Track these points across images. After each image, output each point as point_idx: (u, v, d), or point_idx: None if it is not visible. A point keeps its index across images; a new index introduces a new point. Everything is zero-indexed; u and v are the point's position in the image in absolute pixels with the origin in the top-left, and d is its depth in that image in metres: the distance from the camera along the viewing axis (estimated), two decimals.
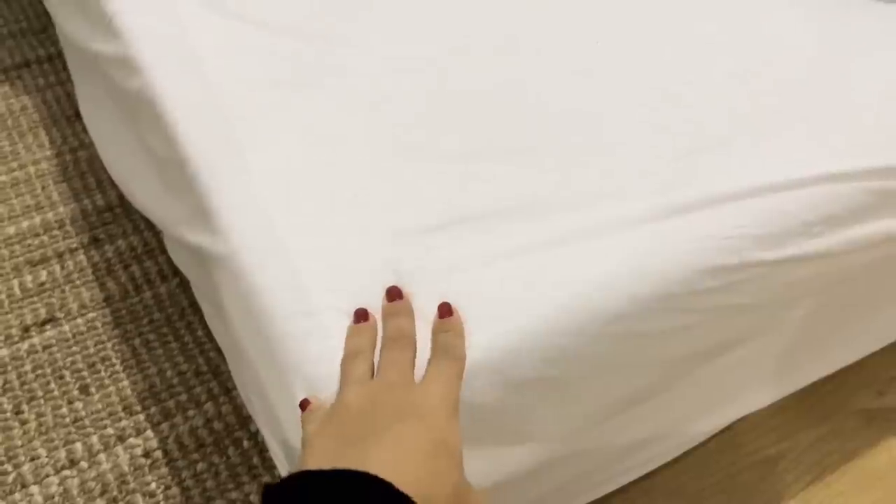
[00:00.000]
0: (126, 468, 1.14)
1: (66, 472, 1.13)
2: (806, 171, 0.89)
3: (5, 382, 1.22)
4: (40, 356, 1.25)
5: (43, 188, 1.47)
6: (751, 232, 0.85)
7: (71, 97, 1.60)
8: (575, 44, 1.04)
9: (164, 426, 1.18)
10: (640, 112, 0.96)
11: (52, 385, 1.22)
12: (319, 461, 0.57)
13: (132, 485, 1.13)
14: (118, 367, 1.24)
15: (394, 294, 0.76)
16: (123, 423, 1.18)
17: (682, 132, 0.94)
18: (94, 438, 1.16)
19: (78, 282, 1.34)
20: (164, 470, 1.14)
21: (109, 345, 1.26)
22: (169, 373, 1.23)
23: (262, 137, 0.92)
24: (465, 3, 1.10)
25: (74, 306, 1.31)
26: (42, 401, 1.20)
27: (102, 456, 1.15)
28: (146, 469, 1.14)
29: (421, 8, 1.08)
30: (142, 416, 1.19)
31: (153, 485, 1.12)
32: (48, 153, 1.53)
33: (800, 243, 0.87)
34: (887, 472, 1.21)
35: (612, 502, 1.10)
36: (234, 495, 1.12)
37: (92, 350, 1.26)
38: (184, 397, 1.21)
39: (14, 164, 1.51)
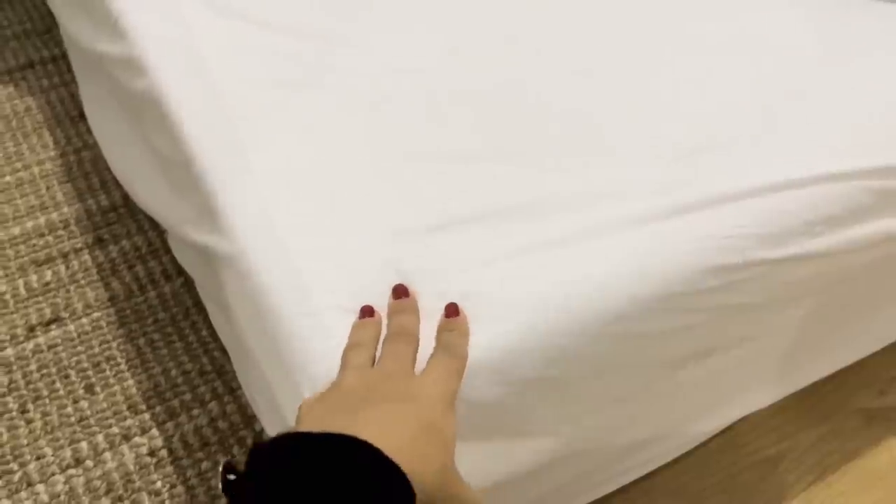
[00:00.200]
0: (131, 467, 1.15)
1: (72, 471, 1.14)
2: (806, 171, 0.89)
3: (11, 382, 1.23)
4: (45, 356, 1.26)
5: (47, 188, 1.48)
6: (752, 231, 0.85)
7: (75, 98, 1.61)
8: (575, 44, 1.04)
9: (169, 425, 1.19)
10: (641, 112, 0.96)
11: (58, 384, 1.23)
12: (309, 426, 0.56)
13: (137, 483, 1.13)
14: (123, 367, 1.24)
15: (400, 292, 0.76)
16: (128, 422, 1.19)
17: (682, 132, 0.94)
18: (100, 437, 1.17)
19: (83, 282, 1.35)
20: (169, 469, 1.15)
21: (114, 344, 1.27)
22: (173, 372, 1.24)
23: (266, 137, 0.92)
24: (466, 3, 1.10)
25: (79, 306, 1.31)
26: (47, 400, 1.21)
27: (108, 455, 1.15)
28: (151, 468, 1.15)
29: (421, 8, 1.08)
30: (147, 416, 1.19)
31: (158, 483, 1.13)
32: (52, 154, 1.53)
33: (801, 242, 0.87)
34: (888, 472, 1.21)
35: (613, 502, 1.10)
36: None
37: (97, 350, 1.26)
38: (188, 396, 1.21)
39: (19, 165, 1.51)
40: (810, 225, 0.87)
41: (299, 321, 0.77)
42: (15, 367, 1.24)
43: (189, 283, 1.32)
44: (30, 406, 1.20)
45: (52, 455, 1.15)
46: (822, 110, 0.96)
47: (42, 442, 1.17)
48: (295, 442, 0.54)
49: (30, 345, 1.27)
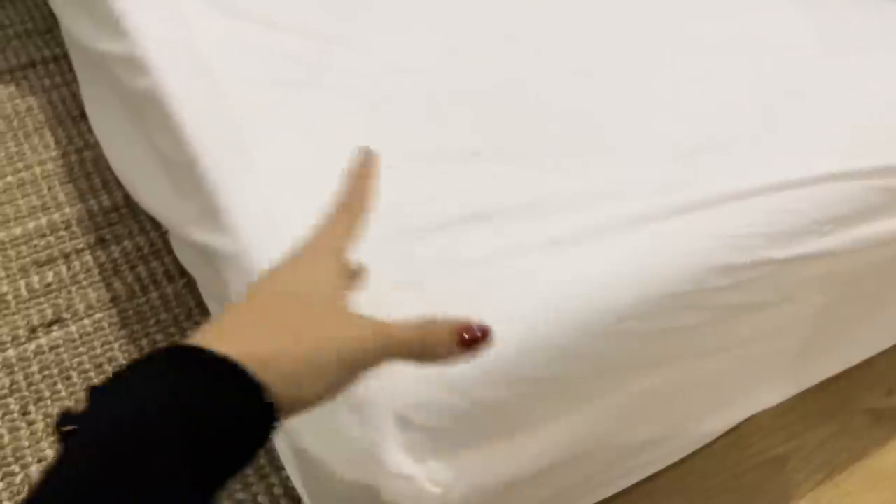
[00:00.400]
0: None
1: None
2: (807, 171, 0.88)
3: (12, 383, 1.22)
4: (47, 357, 1.25)
5: (49, 189, 1.47)
6: (760, 230, 0.84)
7: (77, 98, 1.60)
8: (575, 44, 1.04)
9: None
10: (641, 112, 0.96)
11: (59, 386, 1.22)
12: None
13: None
14: None
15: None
16: None
17: (682, 132, 0.93)
18: None
19: (84, 282, 1.34)
20: None
21: (116, 345, 1.26)
22: None
23: (268, 137, 0.92)
24: (466, 3, 1.09)
25: (81, 307, 1.31)
26: (49, 401, 1.20)
27: None
28: None
29: (421, 8, 1.08)
30: None
31: None
32: (54, 154, 1.53)
33: (809, 242, 0.86)
34: None
35: (619, 502, 1.09)
36: (241, 496, 1.12)
37: (99, 351, 1.26)
38: None
39: (20, 165, 1.51)
40: (818, 224, 0.87)
41: None
42: (17, 369, 1.24)
43: (191, 284, 1.31)
44: (31, 407, 1.20)
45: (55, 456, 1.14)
46: (822, 110, 0.96)
47: (44, 444, 1.16)
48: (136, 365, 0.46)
49: (31, 346, 1.26)
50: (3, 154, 1.53)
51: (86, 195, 1.46)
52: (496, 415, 0.78)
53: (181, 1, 1.05)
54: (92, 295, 1.32)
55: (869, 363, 1.20)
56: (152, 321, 1.29)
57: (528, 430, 0.84)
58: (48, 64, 1.70)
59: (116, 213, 1.44)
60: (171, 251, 1.34)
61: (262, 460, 1.15)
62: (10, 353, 1.25)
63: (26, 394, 1.21)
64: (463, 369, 0.73)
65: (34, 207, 1.44)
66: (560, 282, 0.79)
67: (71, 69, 1.63)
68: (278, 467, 1.14)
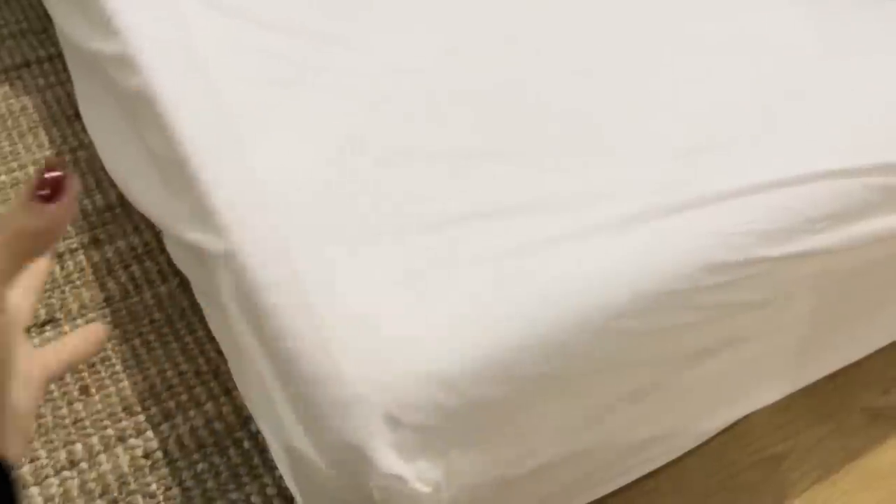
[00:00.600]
0: (126, 469, 1.13)
1: (67, 473, 1.13)
2: (808, 168, 0.88)
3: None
4: None
5: None
6: (755, 228, 0.84)
7: (71, 97, 1.60)
8: (575, 44, 1.04)
9: (165, 427, 1.17)
10: (640, 111, 0.96)
11: (52, 386, 1.21)
12: None
13: (132, 486, 1.12)
14: (118, 368, 1.23)
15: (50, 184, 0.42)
16: (124, 423, 1.18)
17: (682, 132, 0.93)
18: (95, 439, 1.16)
19: (78, 282, 1.34)
20: (165, 470, 1.13)
21: (109, 345, 1.26)
22: (169, 373, 1.23)
23: (262, 135, 0.91)
24: (466, 3, 1.09)
25: (74, 307, 1.30)
26: (41, 403, 1.20)
27: (103, 457, 1.14)
28: (146, 470, 1.13)
29: (420, 8, 1.08)
30: (142, 417, 1.18)
31: (154, 485, 1.12)
32: (48, 153, 1.52)
33: (804, 240, 0.86)
34: (892, 471, 1.20)
35: (615, 501, 1.09)
36: (234, 496, 1.11)
37: None
38: (184, 397, 1.20)
39: (14, 165, 1.50)
40: (812, 222, 0.86)
41: (296, 319, 0.76)
42: None
43: (185, 284, 1.31)
44: None
45: (47, 457, 1.14)
46: (821, 109, 0.96)
47: (36, 444, 1.15)
48: None
49: None
50: None
51: (79, 195, 1.46)
52: (489, 413, 0.78)
53: (173, 0, 1.05)
54: (85, 294, 1.32)
55: (865, 363, 1.20)
56: (146, 321, 1.29)
57: (523, 429, 0.83)
58: (42, 63, 1.69)
59: (110, 212, 1.43)
60: (164, 250, 1.33)
61: (256, 460, 1.14)
62: None
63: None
64: (457, 367, 0.73)
65: None
66: (560, 279, 0.79)
67: (65, 68, 1.62)
68: (271, 467, 1.13)
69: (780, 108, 0.96)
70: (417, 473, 0.72)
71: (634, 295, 0.80)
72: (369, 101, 0.96)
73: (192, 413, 1.19)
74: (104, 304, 1.31)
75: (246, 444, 1.16)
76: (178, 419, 1.18)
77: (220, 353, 1.24)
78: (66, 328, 1.28)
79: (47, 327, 1.28)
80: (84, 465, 1.14)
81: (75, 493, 1.11)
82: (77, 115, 1.54)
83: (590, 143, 0.92)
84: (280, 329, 0.76)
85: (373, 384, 0.71)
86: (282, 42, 1.03)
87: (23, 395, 0.44)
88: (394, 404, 0.71)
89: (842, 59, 1.02)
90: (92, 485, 1.12)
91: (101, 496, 1.11)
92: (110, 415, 1.18)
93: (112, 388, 1.21)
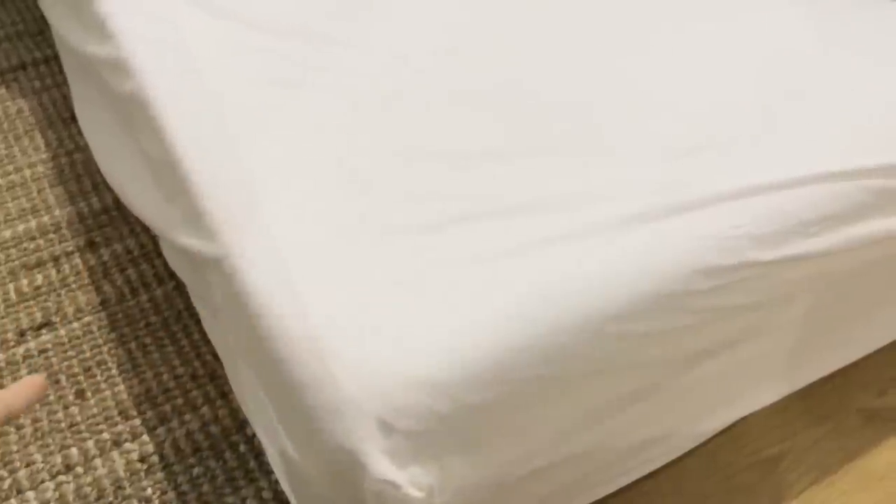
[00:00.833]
0: (122, 473, 1.13)
1: (62, 478, 1.13)
2: (806, 170, 0.88)
3: (1, 387, 1.21)
4: (36, 360, 1.24)
5: (39, 191, 1.47)
6: (749, 232, 0.84)
7: (67, 100, 1.60)
8: (574, 44, 1.04)
9: (161, 430, 1.17)
10: (640, 112, 0.96)
11: (48, 390, 1.21)
12: None
13: (128, 490, 1.12)
14: (114, 372, 1.23)
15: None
16: (119, 427, 1.17)
17: (681, 132, 0.93)
18: (90, 443, 1.16)
19: (74, 285, 1.33)
20: (160, 475, 1.13)
21: (105, 349, 1.26)
22: (165, 377, 1.23)
23: (256, 137, 0.91)
24: (465, 3, 1.09)
25: (70, 310, 1.30)
26: (37, 406, 1.20)
27: (98, 461, 1.14)
28: (142, 474, 1.13)
29: (420, 8, 1.08)
30: (138, 421, 1.18)
31: (149, 490, 1.12)
32: (44, 156, 1.52)
33: (798, 243, 0.86)
34: (889, 472, 1.20)
35: (614, 502, 1.09)
36: (230, 500, 1.11)
37: (88, 354, 1.25)
38: (180, 401, 1.20)
39: (10, 168, 1.50)
40: (808, 225, 0.86)
41: (290, 322, 0.76)
42: (5, 373, 1.23)
43: (181, 287, 1.31)
44: None
45: (42, 461, 1.14)
46: (821, 110, 0.96)
47: (32, 448, 1.15)
48: None
49: (20, 350, 1.26)
50: None
51: (76, 198, 1.46)
52: (486, 417, 0.78)
53: (167, 3, 1.05)
54: (81, 298, 1.32)
55: (861, 364, 1.20)
56: (142, 324, 1.29)
57: (520, 432, 0.83)
58: (38, 66, 1.69)
59: (106, 215, 1.43)
60: (160, 254, 1.33)
61: (252, 464, 1.14)
62: None
63: None
64: (453, 371, 0.73)
65: (24, 210, 1.44)
66: (559, 279, 0.79)
67: (61, 71, 1.62)
68: (267, 471, 1.13)
69: (780, 108, 0.96)
70: (411, 478, 0.72)
71: (633, 296, 0.80)
72: (368, 101, 0.96)
73: (188, 417, 1.19)
74: (100, 307, 1.31)
75: (242, 448, 1.16)
76: (174, 423, 1.18)
77: (216, 356, 1.24)
78: (62, 331, 1.27)
79: (43, 330, 1.28)
80: (80, 469, 1.14)
81: (71, 497, 1.11)
82: (73, 118, 1.54)
83: (589, 142, 0.92)
84: (272, 333, 0.76)
85: (366, 389, 0.71)
86: (280, 43, 1.03)
87: None
88: (387, 409, 0.71)
89: (842, 59, 1.02)
90: (87, 489, 1.12)
91: (96, 500, 1.11)
92: (106, 419, 1.18)
93: (108, 392, 1.21)
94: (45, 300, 1.31)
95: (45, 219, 1.43)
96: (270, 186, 0.86)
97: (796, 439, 1.22)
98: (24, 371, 1.23)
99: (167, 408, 1.20)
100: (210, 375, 1.23)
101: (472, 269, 0.79)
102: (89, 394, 1.21)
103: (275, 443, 0.83)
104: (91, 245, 1.39)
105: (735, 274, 0.83)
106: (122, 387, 1.21)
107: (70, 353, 1.25)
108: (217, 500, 1.11)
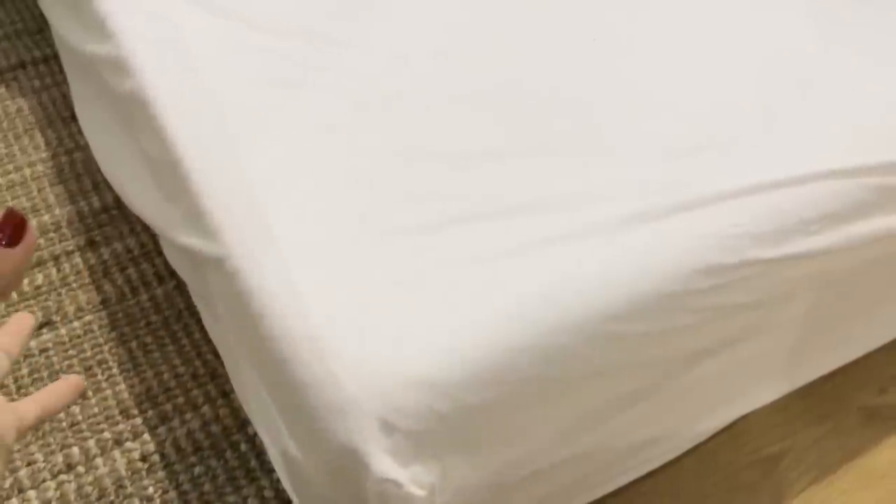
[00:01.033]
0: (123, 472, 1.13)
1: (63, 477, 1.13)
2: (806, 168, 0.88)
3: (1, 387, 1.21)
4: (37, 360, 1.24)
5: (39, 190, 1.47)
6: (749, 230, 0.84)
7: (67, 99, 1.60)
8: (574, 44, 1.04)
9: (162, 430, 1.17)
10: (640, 111, 0.96)
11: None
12: None
13: (129, 489, 1.12)
14: (115, 371, 1.23)
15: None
16: (120, 426, 1.18)
17: (681, 131, 0.93)
18: (91, 442, 1.16)
19: (74, 285, 1.33)
20: (162, 474, 1.13)
21: (106, 348, 1.26)
22: (166, 376, 1.23)
23: (257, 137, 0.91)
24: (465, 4, 1.09)
25: (71, 309, 1.30)
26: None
27: (99, 460, 1.14)
28: (143, 473, 1.13)
29: (420, 9, 1.08)
30: (139, 420, 1.18)
31: (150, 489, 1.12)
32: (44, 155, 1.52)
33: (798, 241, 0.86)
34: (889, 470, 1.20)
35: (613, 502, 1.09)
36: (231, 499, 1.11)
37: (89, 353, 1.25)
38: (181, 400, 1.20)
39: (10, 167, 1.50)
40: (808, 223, 0.86)
41: (290, 322, 0.76)
42: None
43: (181, 286, 1.31)
44: None
45: (44, 461, 1.14)
46: (822, 108, 0.96)
47: (33, 447, 1.15)
48: None
49: None
50: None
51: (76, 197, 1.46)
52: (486, 417, 0.78)
53: (167, 2, 1.05)
54: (82, 297, 1.32)
55: (861, 362, 1.20)
56: (142, 323, 1.29)
57: (520, 432, 0.83)
58: (38, 65, 1.69)
59: (107, 214, 1.43)
60: (161, 253, 1.33)
61: (253, 463, 1.14)
62: None
63: (15, 397, 1.20)
64: (454, 371, 0.73)
65: (24, 209, 1.44)
66: (559, 279, 0.79)
67: (61, 70, 1.62)
68: (269, 470, 1.13)
69: (781, 107, 0.96)
70: (412, 477, 0.72)
71: (633, 296, 0.80)
72: (369, 101, 0.96)
73: (189, 416, 1.19)
74: (101, 306, 1.31)
75: (243, 448, 1.16)
76: (175, 422, 1.18)
77: (217, 355, 1.24)
78: (63, 330, 1.27)
79: (44, 330, 1.28)
80: (81, 468, 1.14)
81: (72, 496, 1.11)
82: (73, 117, 1.54)
83: (590, 142, 0.92)
84: (274, 333, 0.76)
85: (366, 389, 0.71)
86: (280, 43, 1.03)
87: None
88: (388, 409, 0.71)
89: (842, 58, 1.02)
90: (89, 488, 1.12)
91: (98, 499, 1.11)
92: (107, 418, 1.18)
93: (109, 392, 1.21)
94: (46, 299, 1.31)
95: (46, 218, 1.42)
96: (271, 186, 0.86)
97: (797, 438, 1.22)
98: (24, 370, 1.23)
99: (168, 407, 1.20)
100: (211, 374, 1.23)
101: (472, 269, 0.79)
102: (90, 393, 1.21)
103: (277, 442, 0.83)
104: (91, 244, 1.39)
105: (735, 273, 0.84)
106: (123, 386, 1.22)
107: (71, 352, 1.25)
108: (218, 499, 1.12)
